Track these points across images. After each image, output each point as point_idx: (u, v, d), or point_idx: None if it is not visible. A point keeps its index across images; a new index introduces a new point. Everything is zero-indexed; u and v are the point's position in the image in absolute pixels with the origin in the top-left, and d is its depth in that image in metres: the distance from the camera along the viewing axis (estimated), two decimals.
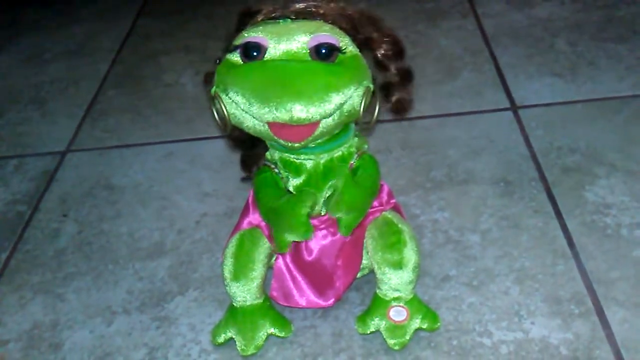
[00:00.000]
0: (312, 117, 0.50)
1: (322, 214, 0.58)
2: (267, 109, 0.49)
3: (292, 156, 0.56)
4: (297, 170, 0.57)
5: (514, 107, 0.87)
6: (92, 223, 0.78)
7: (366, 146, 0.59)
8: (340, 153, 0.57)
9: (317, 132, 0.52)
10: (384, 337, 0.58)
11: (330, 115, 0.51)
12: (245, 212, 0.62)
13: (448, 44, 1.01)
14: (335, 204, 0.55)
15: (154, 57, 1.10)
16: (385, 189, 0.62)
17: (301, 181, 0.57)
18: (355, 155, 0.57)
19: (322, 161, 0.56)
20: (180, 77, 1.04)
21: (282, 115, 0.49)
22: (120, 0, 1.31)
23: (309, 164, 0.56)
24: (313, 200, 0.55)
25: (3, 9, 1.33)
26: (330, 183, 0.56)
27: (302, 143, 0.52)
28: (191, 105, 0.97)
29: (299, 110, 0.49)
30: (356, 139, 0.58)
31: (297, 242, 0.60)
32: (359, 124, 0.56)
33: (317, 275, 0.60)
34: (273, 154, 0.58)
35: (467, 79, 0.93)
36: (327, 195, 0.57)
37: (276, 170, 0.58)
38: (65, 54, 1.15)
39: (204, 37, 1.14)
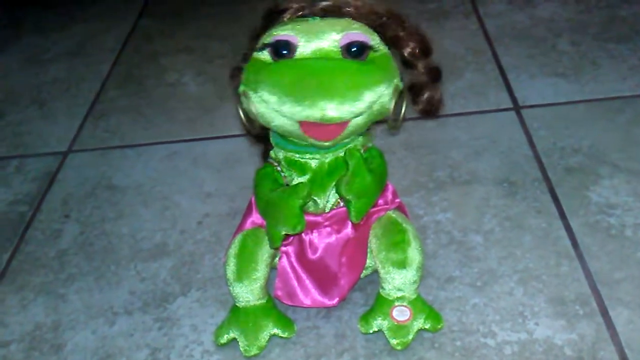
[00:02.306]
0: (345, 115, 0.50)
1: (327, 211, 0.58)
2: (299, 108, 0.49)
3: (297, 155, 0.56)
4: (301, 169, 0.56)
5: (517, 107, 0.86)
6: (94, 223, 0.78)
7: (371, 144, 0.59)
8: (345, 153, 0.56)
9: (347, 131, 0.51)
10: (387, 336, 0.58)
11: (361, 114, 0.51)
12: (248, 212, 0.62)
13: (450, 44, 1.01)
14: (347, 186, 0.53)
15: (155, 57, 1.10)
16: (390, 188, 0.62)
17: (306, 180, 0.56)
18: (362, 149, 0.57)
19: (327, 160, 0.56)
20: (182, 77, 1.04)
21: (315, 114, 0.49)
22: (122, 1, 1.31)
23: (314, 163, 0.56)
24: (307, 192, 0.54)
25: (4, 9, 1.33)
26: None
27: (332, 142, 0.52)
28: (193, 105, 0.97)
29: (332, 109, 0.49)
30: (361, 137, 0.58)
31: (301, 240, 0.59)
32: (388, 122, 0.55)
33: (322, 274, 0.59)
34: (277, 153, 0.58)
35: (470, 79, 0.93)
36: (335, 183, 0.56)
37: (278, 168, 0.57)
38: (66, 54, 1.15)
39: (205, 37, 1.13)
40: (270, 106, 0.51)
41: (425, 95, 0.57)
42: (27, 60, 1.15)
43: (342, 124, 0.51)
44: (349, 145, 0.56)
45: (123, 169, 0.86)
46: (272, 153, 0.59)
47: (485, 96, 0.89)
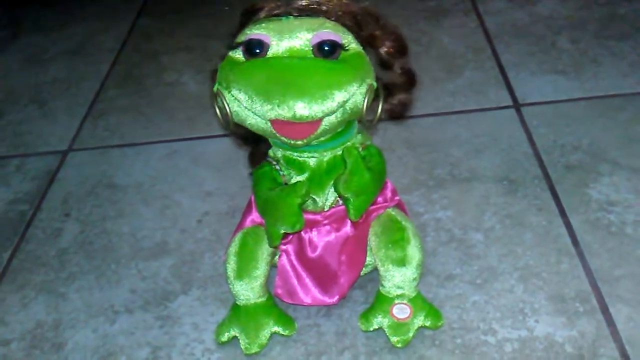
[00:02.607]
0: (315, 114, 0.50)
1: (326, 209, 0.58)
2: (269, 106, 0.49)
3: (295, 154, 0.56)
4: (300, 167, 0.56)
5: (517, 105, 0.86)
6: (94, 222, 0.78)
7: (369, 142, 0.59)
8: (343, 151, 0.56)
9: (319, 130, 0.51)
10: (387, 334, 0.58)
11: (333, 112, 0.51)
12: (248, 211, 0.62)
13: (450, 42, 1.01)
14: (345, 184, 0.53)
15: (155, 57, 1.10)
16: (389, 186, 0.61)
17: (304, 179, 0.56)
18: (360, 147, 0.57)
19: (325, 159, 0.56)
20: (182, 76, 1.04)
21: (284, 112, 0.49)
22: (121, 0, 1.31)
23: (312, 161, 0.56)
24: (306, 191, 0.54)
25: (3, 8, 1.33)
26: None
27: (305, 141, 0.52)
28: (193, 104, 0.97)
29: (302, 108, 0.49)
30: (359, 135, 0.58)
31: (300, 238, 0.59)
32: (362, 122, 0.56)
33: (321, 272, 0.59)
34: (276, 152, 0.58)
35: (470, 77, 0.93)
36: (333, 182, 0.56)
37: (277, 167, 0.57)
38: (66, 53, 1.15)
39: (204, 36, 1.13)
40: (243, 105, 0.51)
41: (396, 98, 0.57)
42: (26, 60, 1.15)
43: (314, 122, 0.50)
44: (347, 144, 0.56)
45: (123, 168, 0.86)
46: (270, 152, 0.59)
47: (485, 94, 0.89)
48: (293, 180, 0.57)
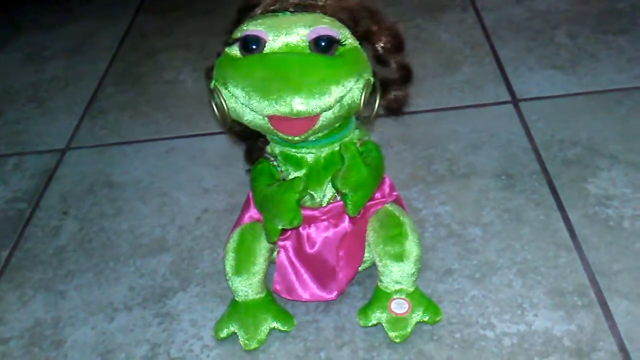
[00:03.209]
0: (312, 110, 0.49)
1: (323, 205, 0.58)
2: (266, 102, 0.49)
3: (292, 150, 0.56)
4: (297, 163, 0.56)
5: (515, 100, 0.86)
6: (92, 220, 0.78)
7: (367, 138, 0.59)
8: (340, 147, 0.56)
9: (317, 126, 0.51)
10: (385, 329, 0.58)
11: (330, 108, 0.51)
12: (246, 207, 0.62)
13: (448, 37, 1.01)
14: (343, 179, 0.53)
15: (152, 54, 1.10)
16: (387, 181, 0.61)
17: (302, 175, 0.56)
18: (358, 143, 0.57)
19: (322, 155, 0.56)
20: (180, 74, 1.04)
21: (282, 108, 0.49)
22: None
23: (309, 157, 0.56)
24: (303, 187, 0.54)
25: (1, 7, 1.33)
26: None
27: (302, 136, 0.52)
28: (191, 101, 0.97)
29: (299, 103, 0.49)
30: (357, 131, 0.58)
31: (298, 234, 0.59)
32: (360, 117, 0.56)
33: (320, 268, 0.59)
34: (274, 148, 0.58)
35: (468, 73, 0.93)
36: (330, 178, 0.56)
37: (274, 163, 0.57)
38: (64, 51, 1.15)
39: (202, 34, 1.13)
40: (240, 101, 0.51)
41: (392, 94, 0.57)
42: (25, 58, 1.15)
43: (311, 118, 0.50)
44: (344, 140, 0.56)
45: (121, 166, 0.86)
46: (268, 148, 0.59)
47: (483, 89, 0.89)
48: (291, 177, 0.57)
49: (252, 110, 0.51)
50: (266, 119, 0.51)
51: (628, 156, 0.75)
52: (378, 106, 0.54)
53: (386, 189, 0.61)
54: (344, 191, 0.53)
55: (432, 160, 0.79)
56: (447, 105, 0.87)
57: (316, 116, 0.51)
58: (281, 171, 0.57)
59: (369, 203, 0.58)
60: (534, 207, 0.70)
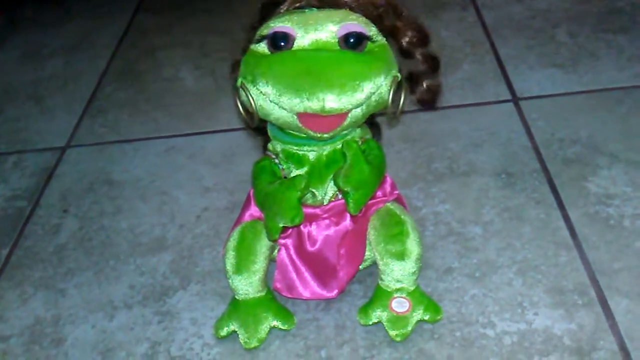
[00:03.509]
0: (344, 107, 0.49)
1: (325, 203, 0.58)
2: (298, 100, 0.49)
3: (294, 148, 0.56)
4: (299, 161, 0.56)
5: (515, 99, 0.86)
6: (92, 218, 0.78)
7: (369, 136, 0.59)
8: (342, 145, 0.56)
9: (345, 123, 0.51)
10: (386, 328, 0.58)
11: (360, 105, 0.50)
12: (246, 205, 0.62)
13: (448, 35, 1.01)
14: (345, 177, 0.53)
15: (152, 52, 1.10)
16: (388, 180, 0.61)
17: (304, 173, 0.56)
18: (360, 141, 0.57)
19: (324, 153, 0.56)
20: (179, 72, 1.04)
21: (313, 105, 0.49)
22: None
23: (311, 155, 0.56)
24: (305, 185, 0.54)
25: (0, 4, 1.32)
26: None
27: (331, 134, 0.52)
28: (190, 99, 0.97)
29: (331, 100, 0.49)
30: (359, 130, 0.58)
31: (299, 232, 0.59)
32: (387, 114, 0.55)
33: (321, 266, 0.59)
34: (275, 146, 0.58)
35: (468, 71, 0.93)
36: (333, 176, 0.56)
37: (276, 161, 0.57)
38: (63, 49, 1.15)
39: (202, 32, 1.13)
40: (269, 98, 0.51)
41: (424, 85, 0.57)
42: (24, 56, 1.15)
43: (341, 115, 0.50)
44: (347, 138, 0.56)
45: (121, 164, 0.86)
46: (269, 146, 0.59)
47: (484, 88, 0.89)
48: (292, 174, 0.57)
49: (282, 108, 0.51)
50: (295, 116, 0.51)
51: (628, 155, 0.75)
52: (403, 102, 0.54)
53: (387, 187, 0.61)
54: (345, 189, 0.53)
55: (433, 158, 0.79)
56: (447, 103, 0.87)
57: (345, 113, 0.51)
58: (283, 169, 0.57)
59: (370, 201, 0.58)
60: (534, 206, 0.70)
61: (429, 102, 0.58)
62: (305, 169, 0.56)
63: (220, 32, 1.11)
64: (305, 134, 0.53)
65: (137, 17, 1.22)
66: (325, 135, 0.52)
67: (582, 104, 0.83)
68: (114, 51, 1.12)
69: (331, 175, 0.56)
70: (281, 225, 0.53)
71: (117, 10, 1.25)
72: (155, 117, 0.94)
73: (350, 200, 0.53)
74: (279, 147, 0.57)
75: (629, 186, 0.71)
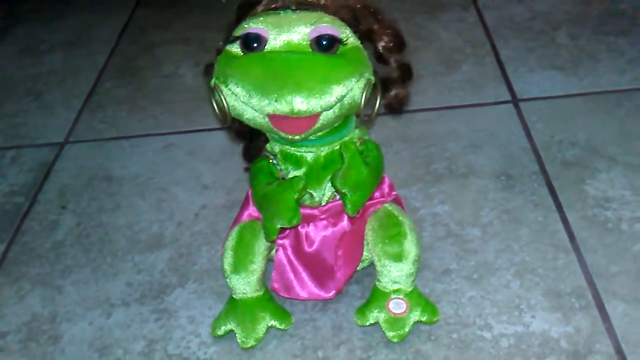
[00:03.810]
0: (313, 109, 0.49)
1: (323, 204, 0.58)
2: (267, 101, 0.49)
3: (292, 149, 0.56)
4: (297, 162, 0.56)
5: (515, 100, 0.86)
6: (90, 215, 0.78)
7: (367, 137, 0.59)
8: (340, 146, 0.56)
9: (317, 125, 0.51)
10: (383, 329, 0.58)
11: (331, 107, 0.50)
12: (245, 205, 0.62)
13: (449, 36, 1.01)
14: (342, 179, 0.53)
15: (151, 49, 1.10)
16: (386, 181, 0.61)
17: (301, 174, 0.56)
18: (358, 142, 0.57)
19: (322, 154, 0.56)
20: (178, 69, 1.03)
21: (282, 107, 0.49)
22: None
23: (309, 156, 0.56)
24: (303, 186, 0.53)
25: None
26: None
27: (302, 135, 0.52)
28: (190, 96, 0.97)
29: (300, 103, 0.49)
30: (357, 130, 0.58)
31: (297, 233, 0.59)
32: (360, 116, 0.55)
33: (318, 267, 0.59)
34: (273, 147, 0.58)
35: (468, 72, 0.93)
36: (328, 180, 0.56)
37: (274, 162, 0.57)
38: (62, 45, 1.14)
39: (201, 28, 1.13)
40: (240, 99, 0.51)
41: (393, 92, 0.56)
42: (23, 51, 1.14)
43: (312, 117, 0.50)
44: (345, 139, 0.56)
45: (120, 161, 0.86)
46: (268, 146, 0.59)
47: (484, 89, 0.89)
48: (290, 175, 0.57)
49: (253, 109, 0.51)
50: (266, 117, 0.51)
51: (627, 158, 0.75)
52: (378, 105, 0.54)
53: (385, 188, 0.61)
54: (343, 191, 0.53)
55: (432, 159, 0.79)
56: (447, 104, 0.87)
57: (316, 115, 0.50)
58: (280, 170, 0.57)
59: (368, 202, 0.58)
60: (532, 208, 0.70)
61: (395, 109, 0.58)
62: (303, 169, 0.56)
63: (220, 28, 1.10)
64: (277, 135, 0.53)
65: (137, 13, 1.22)
66: (297, 137, 0.52)
67: (582, 107, 0.83)
68: (113, 47, 1.12)
69: (329, 177, 0.56)
70: (279, 226, 0.53)
71: (117, 5, 1.25)
72: (154, 114, 0.94)
73: (348, 202, 0.53)
74: (277, 147, 0.57)
75: (628, 189, 0.71)
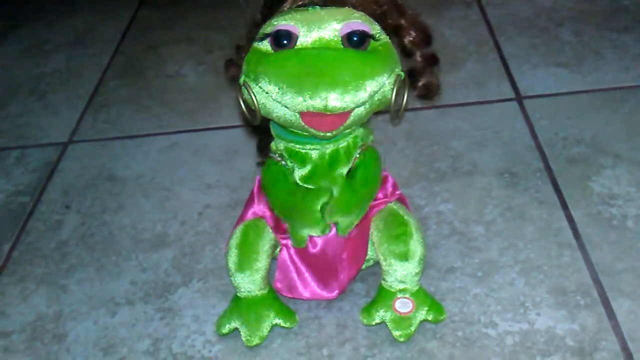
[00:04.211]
0: (347, 105, 0.49)
1: None
2: (301, 98, 0.49)
3: (297, 146, 0.56)
4: (302, 160, 0.56)
5: (519, 98, 0.86)
6: (94, 214, 0.78)
7: (372, 137, 0.59)
8: (345, 143, 0.56)
9: (348, 122, 0.51)
10: (389, 328, 0.58)
11: (364, 103, 0.50)
12: (249, 203, 0.62)
13: (452, 34, 1.01)
14: (329, 214, 0.56)
15: (155, 48, 1.10)
16: (390, 180, 0.61)
17: (307, 171, 0.56)
18: (359, 150, 0.57)
19: (327, 151, 0.56)
20: (182, 68, 1.03)
21: (316, 104, 0.49)
22: None
23: (314, 153, 0.56)
24: (328, 197, 0.55)
25: None
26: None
27: (334, 132, 0.52)
28: (193, 96, 0.97)
29: (334, 99, 0.48)
30: (361, 129, 0.58)
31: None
32: (390, 112, 0.55)
33: (322, 268, 0.59)
34: (278, 144, 0.58)
35: (472, 69, 0.92)
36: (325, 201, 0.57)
37: (282, 162, 0.57)
38: (66, 44, 1.15)
39: (205, 27, 1.13)
40: (271, 97, 0.50)
41: (423, 81, 0.57)
42: (26, 51, 1.15)
43: (344, 114, 0.50)
44: (349, 137, 0.56)
45: (123, 160, 0.86)
46: (272, 145, 0.59)
47: (487, 86, 0.89)
48: (296, 173, 0.56)
49: (285, 106, 0.50)
50: (298, 115, 0.50)
51: (632, 154, 0.74)
52: (407, 101, 0.54)
53: (389, 188, 0.61)
54: (333, 222, 0.56)
55: (435, 157, 0.79)
56: (450, 102, 0.87)
57: (348, 112, 0.50)
58: (288, 168, 0.57)
59: (371, 203, 0.59)
60: (537, 206, 0.70)
61: (427, 97, 0.58)
62: (309, 167, 0.56)
63: (224, 28, 1.11)
64: (308, 132, 0.53)
65: (140, 12, 1.22)
66: (329, 134, 0.52)
67: (586, 103, 0.83)
68: (116, 47, 1.12)
69: (334, 175, 0.56)
70: (308, 234, 0.57)
71: (120, 5, 1.25)
72: (158, 114, 0.94)
73: (339, 228, 0.57)
74: (281, 145, 0.57)
75: (633, 186, 0.70)
